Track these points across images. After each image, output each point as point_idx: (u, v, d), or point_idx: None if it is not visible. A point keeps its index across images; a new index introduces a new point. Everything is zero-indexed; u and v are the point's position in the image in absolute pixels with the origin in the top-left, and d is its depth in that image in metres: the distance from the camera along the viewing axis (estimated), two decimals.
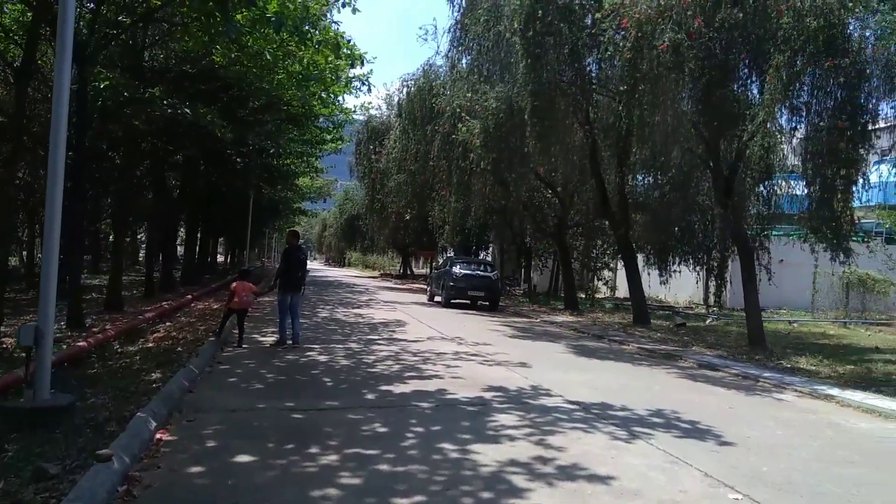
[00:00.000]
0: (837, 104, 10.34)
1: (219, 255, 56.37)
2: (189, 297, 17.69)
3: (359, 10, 13.77)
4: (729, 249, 21.31)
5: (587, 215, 23.31)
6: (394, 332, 13.70)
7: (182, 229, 30.27)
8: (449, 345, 11.88)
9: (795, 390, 8.86)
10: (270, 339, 11.23)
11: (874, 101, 10.56)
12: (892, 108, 10.61)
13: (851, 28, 10.28)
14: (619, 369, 10.27)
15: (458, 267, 21.51)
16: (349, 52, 13.98)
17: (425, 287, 29.57)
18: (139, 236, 38.08)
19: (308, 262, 11.56)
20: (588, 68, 14.13)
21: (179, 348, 9.48)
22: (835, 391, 8.59)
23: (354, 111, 26.55)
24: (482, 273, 21.45)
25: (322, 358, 9.66)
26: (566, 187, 21.93)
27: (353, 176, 40.76)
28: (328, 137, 28.31)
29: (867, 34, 10.31)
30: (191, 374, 7.53)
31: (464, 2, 17.86)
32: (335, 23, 15.23)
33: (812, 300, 21.91)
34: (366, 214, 40.77)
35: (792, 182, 13.85)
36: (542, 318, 19.10)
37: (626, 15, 10.68)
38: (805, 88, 11.10)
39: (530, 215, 22.91)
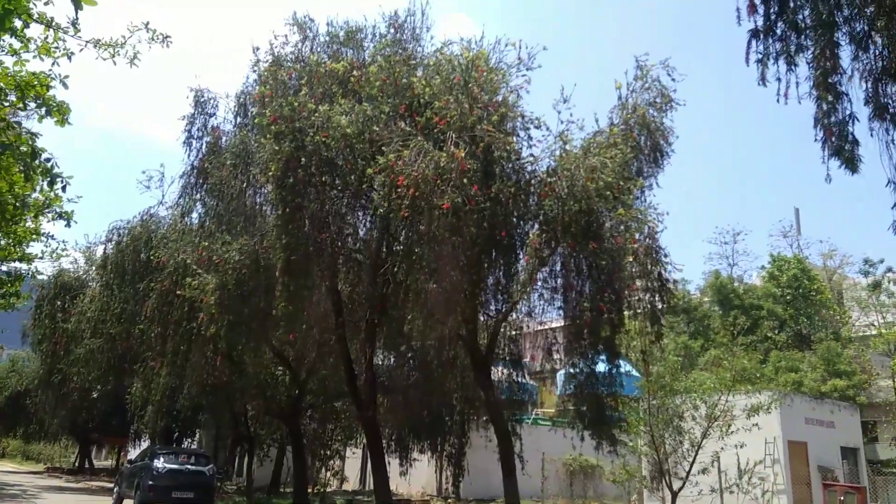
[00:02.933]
0: (598, 287, 10.51)
1: None
2: None
3: (70, 123, 11.00)
4: (467, 436, 20.71)
5: (324, 396, 21.02)
6: None
7: None
8: None
9: None
10: None
11: (624, 289, 10.98)
12: (636, 299, 11.08)
13: (604, 217, 10.83)
14: None
15: (162, 459, 16.98)
16: (47, 168, 10.75)
17: (111, 486, 23.20)
18: None
19: None
20: (349, 229, 12.98)
21: None
22: None
23: (41, 257, 21.45)
24: (193, 467, 17.17)
25: None
26: (301, 363, 19.64)
27: (25, 342, 32.68)
28: None
29: (613, 223, 10.91)
30: None
31: (204, 146, 16.00)
32: (32, 134, 11.85)
33: (542, 488, 21.92)
34: (38, 390, 32.39)
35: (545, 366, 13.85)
36: None
37: (402, 173, 9.89)
38: (565, 270, 11.28)
39: (260, 394, 19.80)
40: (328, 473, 24.98)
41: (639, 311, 11.00)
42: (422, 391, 17.27)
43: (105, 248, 20.48)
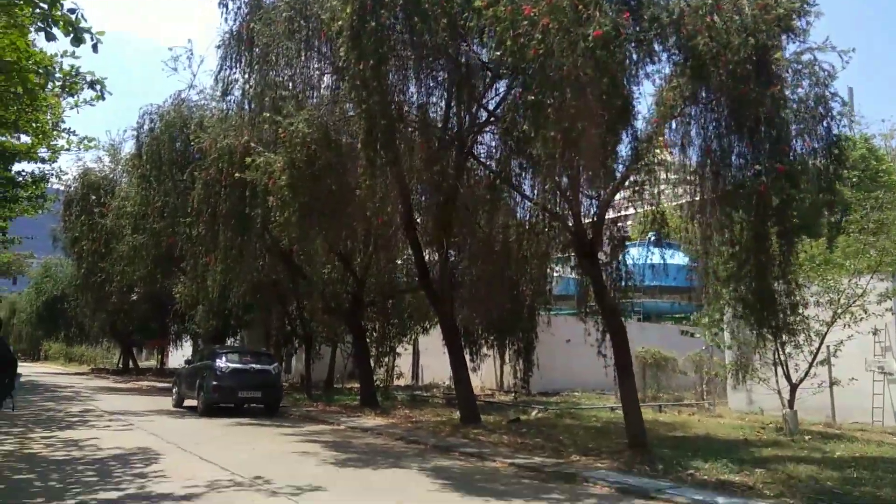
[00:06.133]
0: (773, 144, 8.41)
1: None
2: None
3: None
4: (534, 330, 19.45)
5: (382, 292, 19.68)
6: (144, 475, 8.04)
7: None
8: (257, 499, 6.88)
9: None
10: None
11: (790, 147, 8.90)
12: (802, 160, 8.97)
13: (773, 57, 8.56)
14: None
15: (224, 359, 15.86)
16: (71, 20, 8.59)
17: (165, 386, 22.59)
18: None
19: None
20: (431, 93, 10.88)
21: None
22: None
23: (68, 149, 19.54)
24: (258, 367, 16.03)
25: None
26: (358, 256, 18.09)
27: (56, 247, 31.52)
28: (24, 194, 20.75)
29: (779, 66, 8.66)
30: None
31: (244, 6, 13.54)
32: None
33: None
34: (75, 294, 31.61)
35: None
36: (344, 422, 14.50)
37: (524, 1, 7.65)
38: (718, 126, 9.18)
39: (318, 291, 18.43)
40: (383, 369, 24.19)
41: (805, 175, 8.98)
42: (496, 284, 15.71)
43: (138, 136, 18.53)
